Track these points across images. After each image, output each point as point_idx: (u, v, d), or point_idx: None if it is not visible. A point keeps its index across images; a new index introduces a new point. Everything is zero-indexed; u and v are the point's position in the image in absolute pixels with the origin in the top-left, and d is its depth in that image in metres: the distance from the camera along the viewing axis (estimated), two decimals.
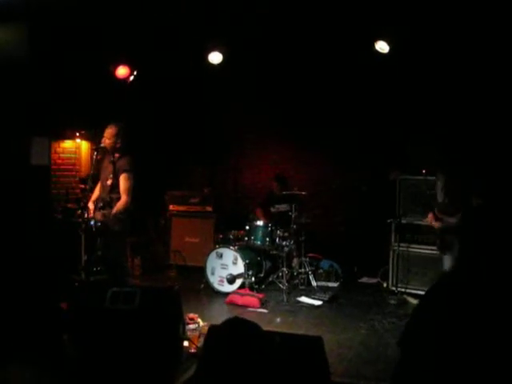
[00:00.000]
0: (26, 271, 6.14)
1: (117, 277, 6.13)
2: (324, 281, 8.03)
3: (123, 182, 5.96)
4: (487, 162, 6.63)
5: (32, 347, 1.93)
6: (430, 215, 5.62)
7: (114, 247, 6.10)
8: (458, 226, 5.32)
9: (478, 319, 1.67)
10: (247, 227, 7.82)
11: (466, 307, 1.71)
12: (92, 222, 5.87)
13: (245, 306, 6.78)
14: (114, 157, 6.07)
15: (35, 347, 1.95)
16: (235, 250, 7.48)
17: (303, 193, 7.73)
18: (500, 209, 5.50)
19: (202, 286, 7.62)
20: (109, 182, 6.01)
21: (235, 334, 1.87)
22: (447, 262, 5.62)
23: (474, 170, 5.66)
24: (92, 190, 6.24)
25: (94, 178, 6.18)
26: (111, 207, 5.92)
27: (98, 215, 5.89)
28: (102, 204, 5.96)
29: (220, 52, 7.91)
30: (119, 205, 5.88)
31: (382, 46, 7.15)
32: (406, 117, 7.95)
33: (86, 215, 5.75)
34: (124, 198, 5.91)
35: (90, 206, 6.03)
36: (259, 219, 7.97)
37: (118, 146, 6.05)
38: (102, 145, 6.09)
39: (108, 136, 6.04)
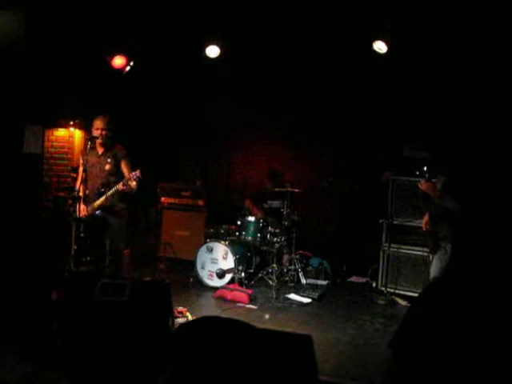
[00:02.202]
0: (15, 260, 6.11)
1: (114, 266, 6.19)
2: (313, 278, 8.03)
3: (128, 167, 6.14)
4: (483, 163, 6.63)
5: (22, 337, 1.93)
6: (426, 217, 5.63)
7: (114, 237, 6.23)
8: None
9: (471, 321, 1.67)
10: (239, 222, 7.81)
11: (460, 310, 1.71)
12: (98, 212, 6.09)
13: (233, 301, 6.78)
14: (106, 147, 6.15)
15: (26, 337, 1.95)
16: (226, 245, 7.47)
17: (296, 190, 7.74)
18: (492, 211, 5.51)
19: (192, 279, 7.61)
20: (107, 167, 6.14)
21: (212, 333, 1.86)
22: (436, 264, 5.64)
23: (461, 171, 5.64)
24: (83, 179, 6.21)
25: (85, 167, 6.18)
26: (110, 188, 6.01)
27: (98, 202, 6.07)
28: (102, 189, 6.05)
29: (217, 46, 7.88)
30: (131, 187, 5.90)
31: (379, 46, 7.13)
32: (402, 117, 7.95)
33: (79, 209, 5.79)
34: (134, 183, 5.94)
35: (82, 208, 6.01)
36: (250, 212, 7.96)
37: (111, 134, 6.18)
38: (95, 135, 6.08)
39: (104, 127, 6.07)
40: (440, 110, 7.55)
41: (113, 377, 3.77)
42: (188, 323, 1.85)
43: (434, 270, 5.65)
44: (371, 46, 7.15)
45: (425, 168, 5.65)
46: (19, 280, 5.39)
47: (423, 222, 5.69)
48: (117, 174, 6.12)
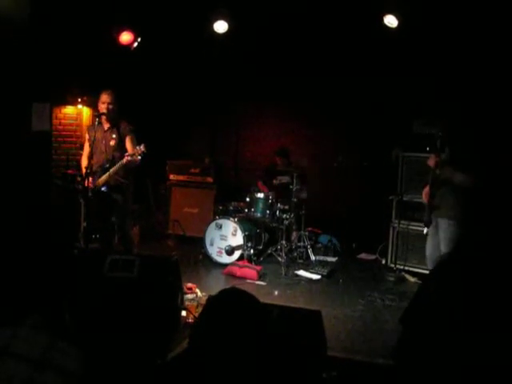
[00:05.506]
0: (25, 237, 6.12)
1: (123, 243, 6.24)
2: (322, 255, 8.03)
3: (133, 143, 6.11)
4: (489, 142, 6.57)
5: (39, 311, 1.94)
6: (426, 189, 5.64)
7: (120, 212, 6.26)
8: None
9: (485, 297, 1.64)
10: (248, 199, 7.78)
11: (473, 285, 1.68)
12: (104, 188, 6.07)
13: (243, 278, 6.79)
14: (111, 122, 6.14)
15: (42, 311, 1.96)
16: (235, 222, 7.46)
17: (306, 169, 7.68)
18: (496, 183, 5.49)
19: (201, 256, 7.61)
20: (112, 143, 6.13)
21: (232, 303, 1.84)
22: (430, 240, 5.67)
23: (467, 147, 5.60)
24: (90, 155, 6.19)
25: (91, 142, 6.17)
26: (115, 164, 6.01)
27: (104, 178, 6.05)
28: (107, 165, 6.04)
29: (225, 21, 7.78)
30: (136, 160, 5.92)
31: (390, 21, 7.01)
32: (412, 94, 7.84)
33: (88, 183, 5.75)
34: (138, 158, 5.95)
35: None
36: (261, 192, 7.92)
37: (117, 109, 6.16)
38: (105, 111, 6.03)
39: (110, 101, 6.05)
40: (450, 85, 7.44)
41: (122, 352, 3.78)
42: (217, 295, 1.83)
43: (428, 246, 5.68)
44: (382, 20, 7.04)
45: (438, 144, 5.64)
46: (31, 257, 5.41)
47: (423, 193, 5.71)
48: (122, 150, 6.10)
